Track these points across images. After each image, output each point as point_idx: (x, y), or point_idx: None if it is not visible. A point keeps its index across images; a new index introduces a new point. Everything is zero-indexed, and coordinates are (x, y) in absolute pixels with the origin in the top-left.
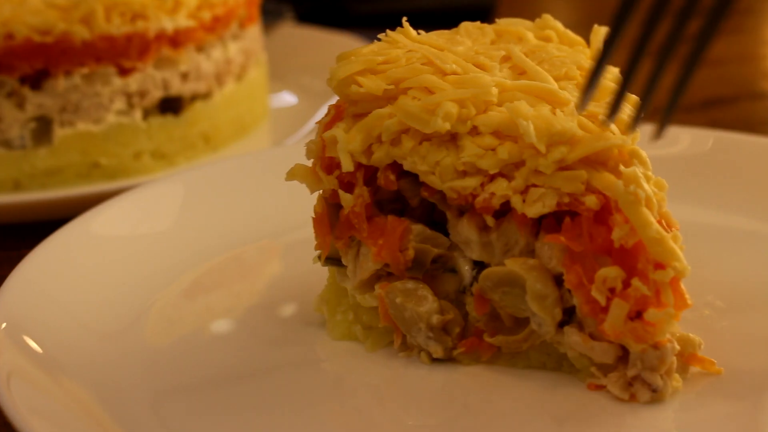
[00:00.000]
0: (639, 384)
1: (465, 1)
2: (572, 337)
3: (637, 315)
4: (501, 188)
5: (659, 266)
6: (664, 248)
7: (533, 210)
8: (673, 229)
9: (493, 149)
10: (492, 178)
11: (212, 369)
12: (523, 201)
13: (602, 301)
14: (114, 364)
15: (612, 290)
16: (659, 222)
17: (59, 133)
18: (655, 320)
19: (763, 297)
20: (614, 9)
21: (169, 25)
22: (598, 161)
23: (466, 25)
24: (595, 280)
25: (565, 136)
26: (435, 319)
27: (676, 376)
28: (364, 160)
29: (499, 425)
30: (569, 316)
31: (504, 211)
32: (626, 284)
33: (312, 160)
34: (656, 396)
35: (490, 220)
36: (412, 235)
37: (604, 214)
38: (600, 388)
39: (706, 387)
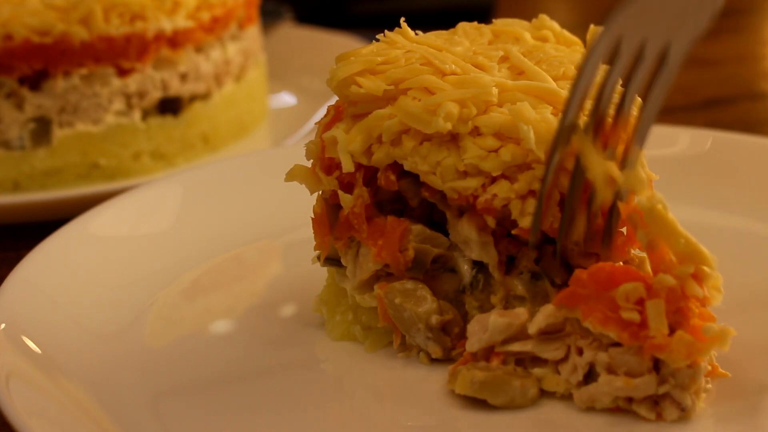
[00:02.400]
0: (667, 403)
1: (463, 1)
2: (614, 384)
3: (676, 323)
4: (503, 190)
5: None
6: (696, 251)
7: (526, 221)
8: None
9: (495, 151)
10: (494, 179)
11: (211, 369)
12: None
13: (636, 318)
14: (113, 364)
15: (640, 302)
16: None
17: (58, 133)
18: (711, 335)
19: (763, 297)
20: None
21: (167, 25)
22: None
23: (463, 26)
24: (618, 301)
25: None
26: (434, 319)
27: (703, 395)
28: (364, 161)
29: (498, 426)
30: (588, 376)
31: (506, 215)
32: (649, 289)
33: (311, 160)
34: (684, 415)
35: (491, 221)
36: (411, 235)
37: None
38: (620, 410)
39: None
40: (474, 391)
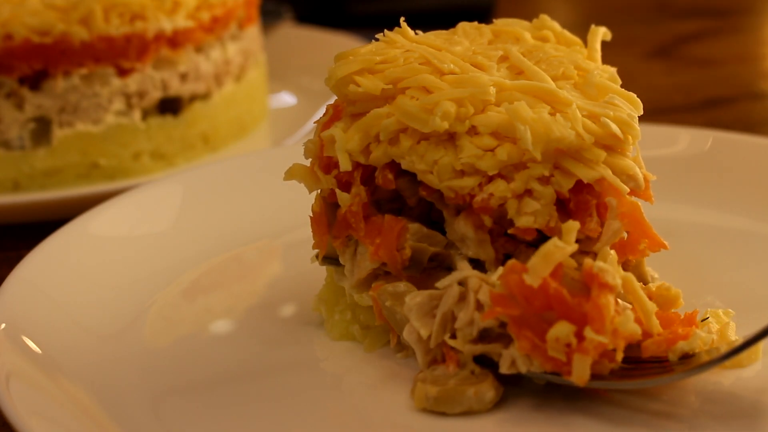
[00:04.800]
0: None
1: (463, 1)
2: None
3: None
4: (500, 190)
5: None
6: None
7: (523, 221)
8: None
9: (492, 150)
10: (491, 179)
11: (211, 369)
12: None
13: (562, 357)
14: (113, 364)
15: (568, 345)
16: None
17: (58, 133)
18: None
19: (763, 297)
20: None
21: (167, 25)
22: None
23: (463, 26)
24: (548, 340)
25: (563, 143)
26: None
27: None
28: (362, 160)
29: (497, 425)
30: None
31: (502, 214)
32: (580, 335)
33: (310, 159)
34: None
35: (488, 221)
36: (409, 233)
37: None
38: None
39: (707, 386)
40: (430, 405)
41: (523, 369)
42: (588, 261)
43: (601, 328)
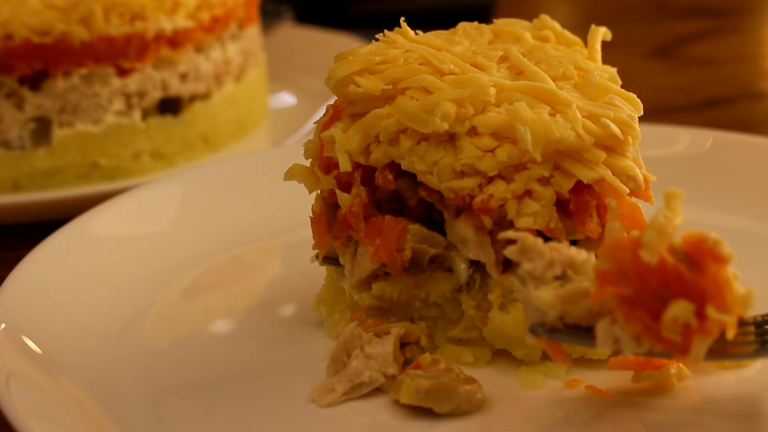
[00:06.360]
0: None
1: (463, 1)
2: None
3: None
4: (499, 191)
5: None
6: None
7: (523, 222)
8: None
9: (492, 151)
10: (491, 179)
11: (211, 369)
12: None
13: (678, 339)
14: (113, 364)
15: (686, 325)
16: None
17: (58, 133)
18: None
19: (763, 297)
20: None
21: (167, 25)
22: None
23: (463, 26)
24: (664, 321)
25: (563, 143)
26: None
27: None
28: (362, 160)
29: (498, 426)
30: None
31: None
32: (701, 314)
33: (310, 159)
34: None
35: (488, 222)
36: (409, 234)
37: None
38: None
39: (707, 387)
40: (419, 399)
41: (629, 351)
42: (694, 231)
43: (723, 306)
